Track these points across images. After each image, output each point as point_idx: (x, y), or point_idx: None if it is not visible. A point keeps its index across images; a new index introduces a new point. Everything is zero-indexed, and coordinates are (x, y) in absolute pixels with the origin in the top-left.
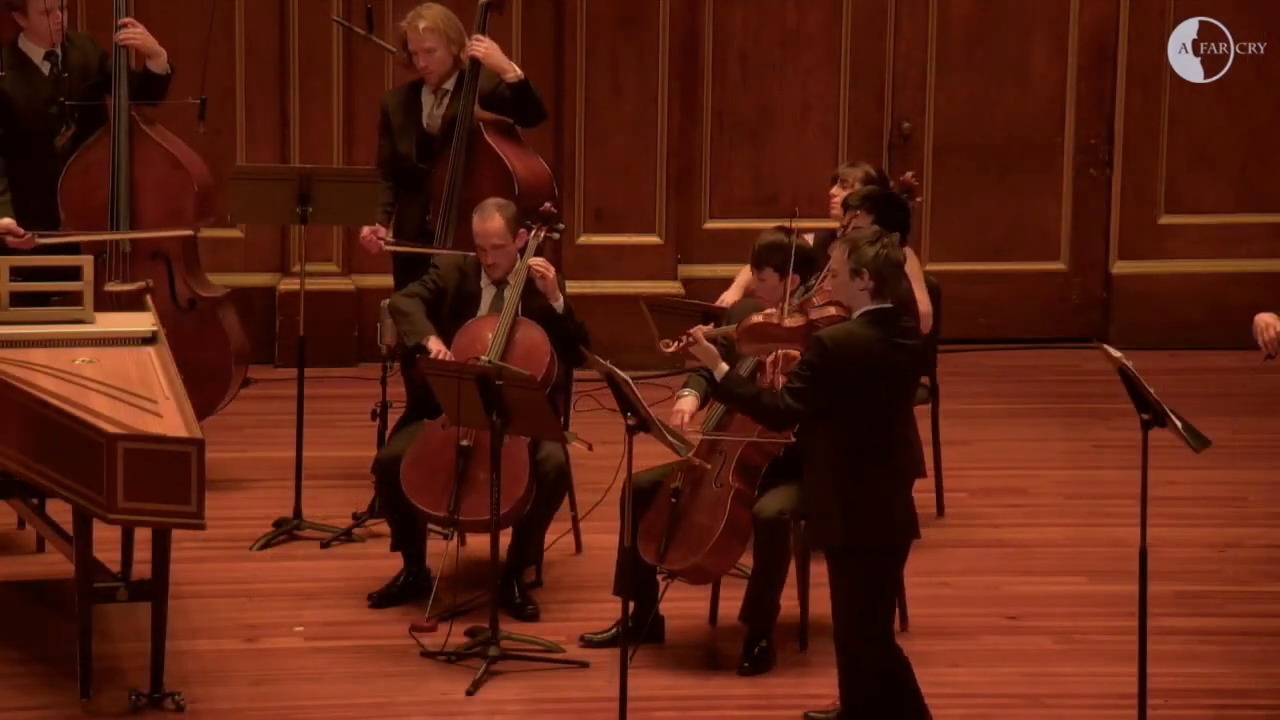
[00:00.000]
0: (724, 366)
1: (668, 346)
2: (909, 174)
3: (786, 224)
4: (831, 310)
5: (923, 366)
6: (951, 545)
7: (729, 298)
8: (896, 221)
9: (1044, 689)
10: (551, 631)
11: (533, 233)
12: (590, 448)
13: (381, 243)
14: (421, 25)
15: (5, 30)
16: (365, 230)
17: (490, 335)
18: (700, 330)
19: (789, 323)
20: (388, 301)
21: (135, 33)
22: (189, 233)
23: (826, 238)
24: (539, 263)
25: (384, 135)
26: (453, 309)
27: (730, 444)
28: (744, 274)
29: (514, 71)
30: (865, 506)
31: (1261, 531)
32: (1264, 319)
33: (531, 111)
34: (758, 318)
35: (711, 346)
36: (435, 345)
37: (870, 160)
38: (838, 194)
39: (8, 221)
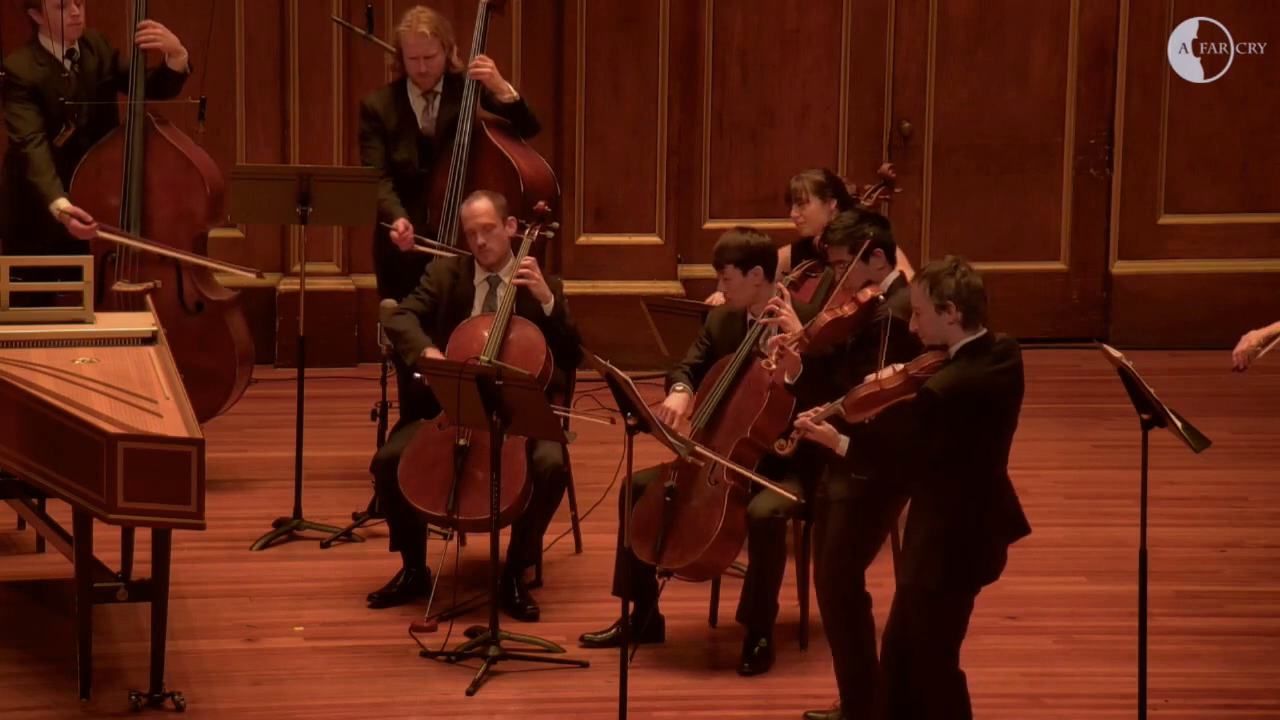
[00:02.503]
0: (845, 442)
1: (783, 449)
2: (886, 165)
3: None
4: (928, 359)
5: (1022, 387)
6: None
7: (717, 298)
8: (874, 238)
9: (1044, 689)
10: (551, 631)
11: (527, 231)
12: (613, 422)
13: (415, 241)
14: (425, 30)
15: (24, 29)
16: (399, 224)
17: (486, 335)
18: (808, 417)
19: (890, 384)
20: (390, 306)
21: (155, 33)
22: (251, 274)
23: (802, 244)
24: (526, 264)
25: (373, 138)
26: (447, 311)
27: (723, 442)
28: None
29: (510, 93)
30: (970, 546)
31: (1261, 531)
32: (1249, 335)
33: (527, 128)
34: (863, 390)
35: (829, 427)
36: (433, 355)
37: (870, 160)
38: (798, 214)
39: (68, 204)
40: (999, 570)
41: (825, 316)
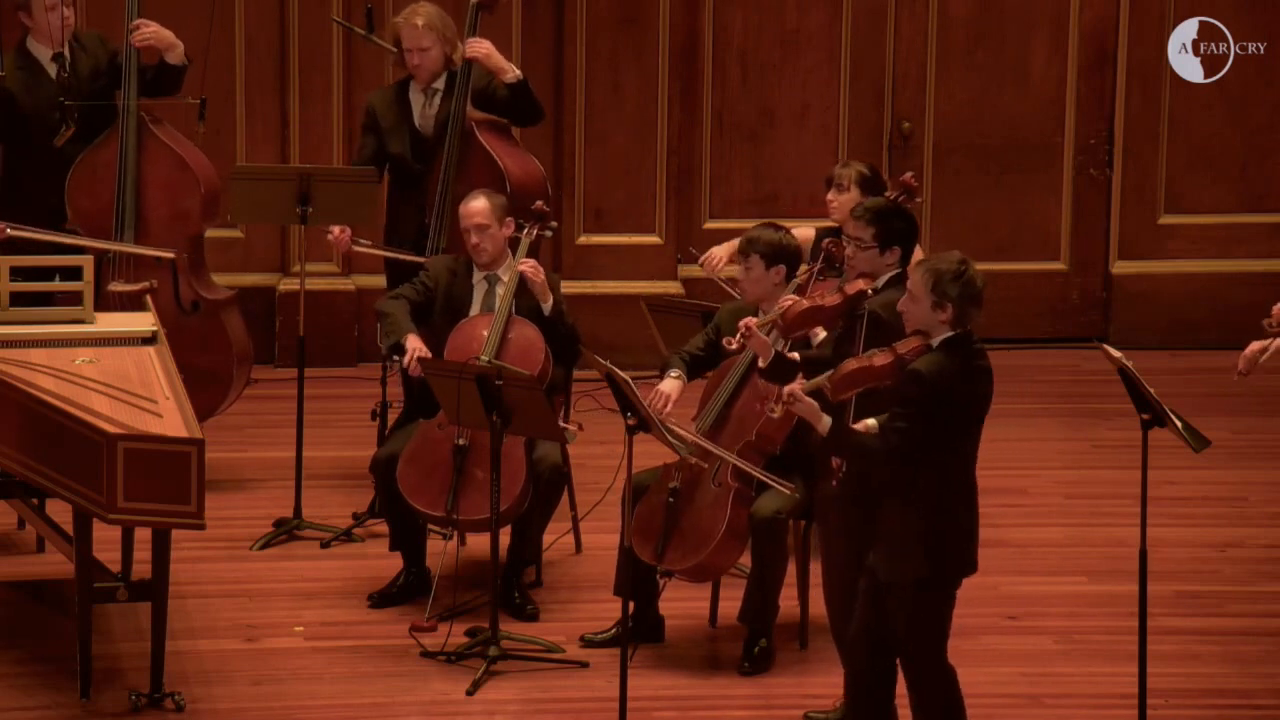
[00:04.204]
0: (828, 421)
1: (773, 412)
2: (908, 174)
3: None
4: (916, 342)
5: (992, 393)
6: None
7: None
8: (897, 232)
9: (1044, 689)
10: (551, 631)
11: (525, 231)
12: (580, 428)
13: (350, 244)
14: (419, 23)
15: (13, 31)
16: (334, 229)
17: (485, 334)
18: (796, 387)
19: (879, 361)
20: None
21: (149, 32)
22: (170, 254)
23: (824, 234)
24: (529, 264)
25: (368, 133)
26: (444, 309)
27: (728, 445)
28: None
29: (513, 72)
30: (950, 539)
31: (1261, 531)
32: (1256, 344)
33: (529, 111)
34: (851, 365)
35: (813, 402)
36: (413, 343)
37: (870, 160)
38: (834, 199)
39: None
40: (975, 564)
41: (804, 302)
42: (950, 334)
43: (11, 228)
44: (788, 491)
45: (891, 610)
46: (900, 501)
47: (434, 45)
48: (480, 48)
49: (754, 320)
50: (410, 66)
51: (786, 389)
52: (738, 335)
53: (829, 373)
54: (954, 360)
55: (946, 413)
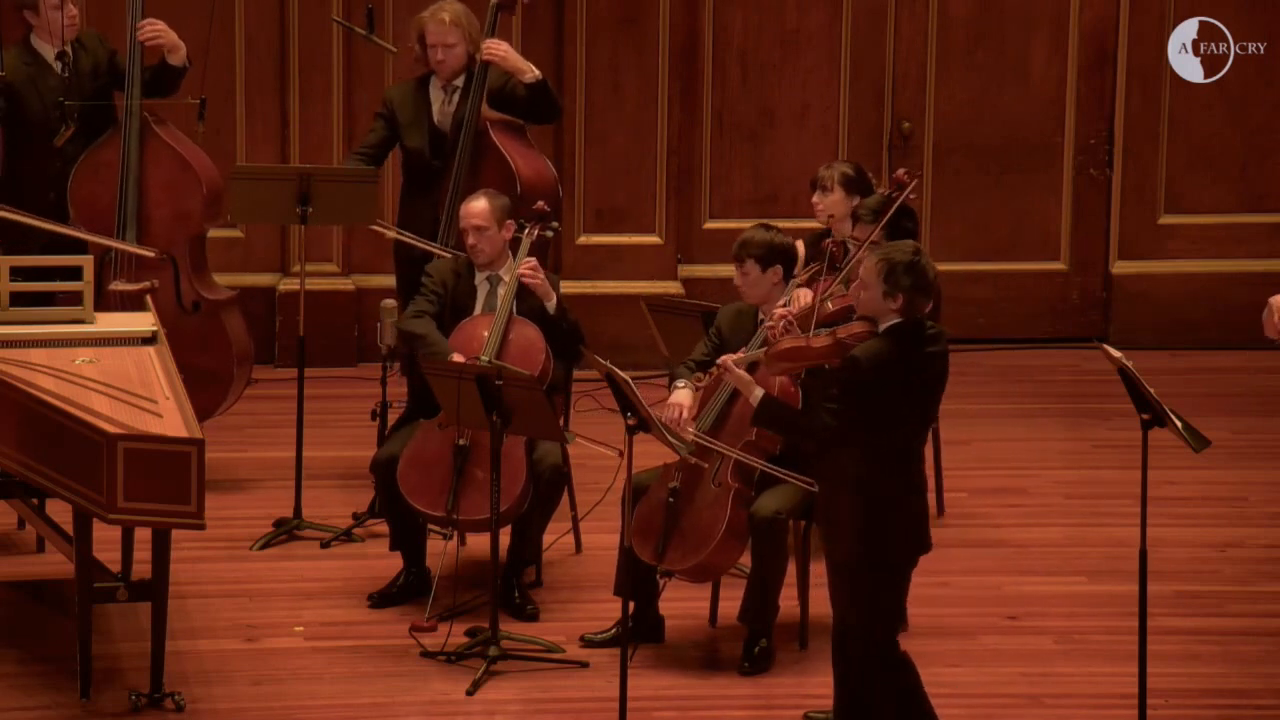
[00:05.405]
0: (759, 392)
1: (699, 382)
2: (900, 171)
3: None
4: (857, 328)
5: (944, 378)
6: (951, 545)
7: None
8: (906, 232)
9: (1044, 689)
10: (551, 631)
11: (526, 231)
12: (621, 453)
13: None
14: (446, 18)
15: (16, 29)
16: None
17: (485, 334)
18: (729, 359)
19: (818, 343)
20: (390, 306)
21: (157, 29)
22: (150, 252)
23: (819, 236)
24: (528, 265)
25: (380, 120)
26: (450, 312)
27: (728, 443)
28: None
29: (532, 72)
30: (884, 520)
31: (1261, 531)
32: (1277, 301)
33: (547, 110)
34: (787, 342)
35: (744, 374)
36: (457, 360)
37: (870, 160)
38: (819, 200)
39: None
40: (916, 548)
41: (785, 342)
42: (899, 321)
43: None
44: (808, 487)
45: (833, 593)
46: (837, 484)
47: (459, 42)
48: (497, 50)
49: (734, 356)
50: (433, 63)
51: (721, 360)
52: (779, 326)
53: (766, 347)
54: (895, 347)
55: (880, 399)
